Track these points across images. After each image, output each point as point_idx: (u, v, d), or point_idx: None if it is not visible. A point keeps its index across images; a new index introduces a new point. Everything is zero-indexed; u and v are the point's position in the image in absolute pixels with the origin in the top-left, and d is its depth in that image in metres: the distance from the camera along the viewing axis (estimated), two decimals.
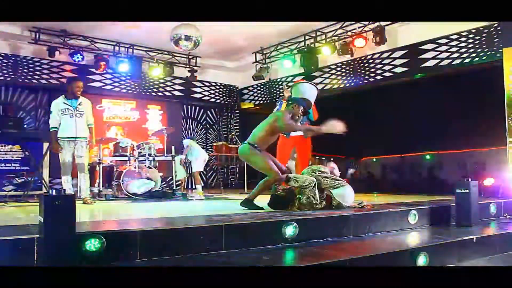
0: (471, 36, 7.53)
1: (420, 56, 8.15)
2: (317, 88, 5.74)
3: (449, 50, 7.79)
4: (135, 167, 7.39)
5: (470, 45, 7.54)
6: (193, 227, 3.59)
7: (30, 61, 9.14)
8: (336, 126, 5.09)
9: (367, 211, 4.67)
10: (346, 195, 4.97)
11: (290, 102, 5.38)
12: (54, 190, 2.86)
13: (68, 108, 5.87)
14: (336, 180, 5.02)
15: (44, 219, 2.88)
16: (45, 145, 7.15)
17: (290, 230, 3.90)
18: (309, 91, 5.56)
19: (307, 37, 9.43)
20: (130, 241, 3.25)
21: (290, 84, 10.30)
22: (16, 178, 7.46)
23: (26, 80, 9.10)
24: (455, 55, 7.71)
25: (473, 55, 7.50)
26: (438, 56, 7.92)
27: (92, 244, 3.09)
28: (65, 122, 5.85)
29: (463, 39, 7.63)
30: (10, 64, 8.90)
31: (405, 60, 8.42)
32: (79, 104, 5.95)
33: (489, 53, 7.30)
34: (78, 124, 5.91)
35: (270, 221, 3.99)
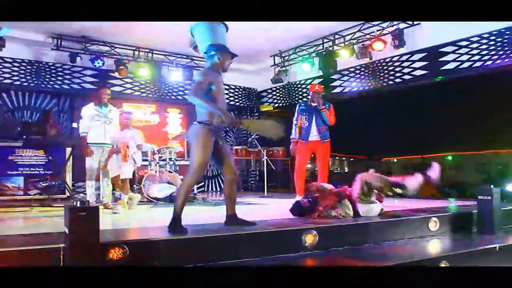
0: (492, 38, 7.41)
1: (440, 59, 8.06)
2: (223, 24, 4.44)
3: (469, 53, 7.69)
4: (156, 172, 7.49)
5: (492, 47, 7.41)
6: (213, 236, 3.64)
7: (53, 67, 9.30)
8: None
9: (387, 219, 4.65)
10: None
11: (210, 53, 4.23)
12: (78, 202, 2.93)
13: (98, 115, 6.05)
14: (368, 197, 4.99)
15: (69, 230, 2.95)
16: (68, 149, 7.29)
17: (309, 238, 3.92)
18: (219, 30, 4.40)
19: (325, 40, 9.41)
20: (152, 250, 3.32)
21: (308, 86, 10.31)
22: (41, 182, 7.62)
23: (49, 86, 9.27)
24: (476, 57, 7.61)
25: (495, 57, 7.38)
26: (459, 59, 7.83)
27: (116, 254, 3.16)
28: (95, 129, 6.01)
29: (484, 41, 7.51)
30: (33, 70, 9.08)
31: (425, 63, 8.34)
32: (109, 112, 6.16)
33: (511, 54, 7.18)
34: (107, 131, 6.10)
35: (290, 229, 4.01)
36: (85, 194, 6.95)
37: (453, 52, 7.90)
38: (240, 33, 8.84)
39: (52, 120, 8.86)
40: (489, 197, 4.94)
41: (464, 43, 7.75)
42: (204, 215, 5.79)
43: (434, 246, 4.40)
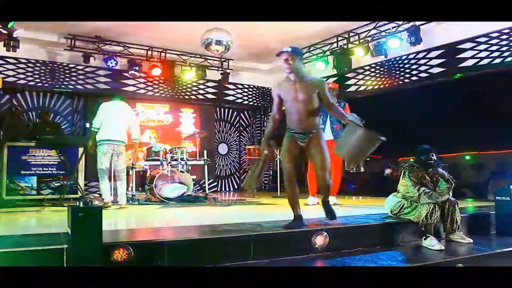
0: None
1: (458, 56, 7.86)
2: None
3: (489, 49, 7.48)
4: (167, 171, 7.44)
5: None
6: (221, 237, 3.55)
7: (67, 67, 9.35)
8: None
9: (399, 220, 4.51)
10: None
11: None
12: (81, 202, 2.88)
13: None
14: None
15: (71, 230, 2.90)
16: (80, 149, 7.28)
17: (320, 240, 3.81)
18: None
19: (339, 38, 9.26)
20: (157, 251, 3.25)
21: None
22: (53, 182, 7.61)
23: (63, 86, 9.31)
24: (496, 53, 7.39)
25: None
26: (477, 55, 7.62)
27: (120, 254, 3.10)
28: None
29: (504, 37, 7.30)
30: (48, 70, 9.14)
31: (442, 60, 8.14)
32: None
33: None
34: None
35: (300, 230, 3.91)
36: (98, 194, 6.94)
37: (472, 48, 7.70)
38: (254, 32, 8.79)
39: (49, 119, 8.91)
40: (508, 198, 4.77)
41: (483, 39, 7.54)
42: (215, 215, 5.71)
43: (450, 248, 4.23)
